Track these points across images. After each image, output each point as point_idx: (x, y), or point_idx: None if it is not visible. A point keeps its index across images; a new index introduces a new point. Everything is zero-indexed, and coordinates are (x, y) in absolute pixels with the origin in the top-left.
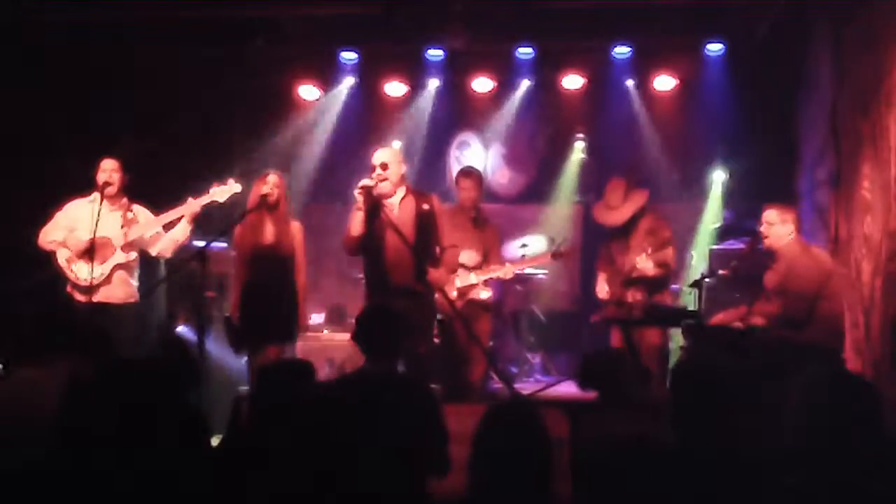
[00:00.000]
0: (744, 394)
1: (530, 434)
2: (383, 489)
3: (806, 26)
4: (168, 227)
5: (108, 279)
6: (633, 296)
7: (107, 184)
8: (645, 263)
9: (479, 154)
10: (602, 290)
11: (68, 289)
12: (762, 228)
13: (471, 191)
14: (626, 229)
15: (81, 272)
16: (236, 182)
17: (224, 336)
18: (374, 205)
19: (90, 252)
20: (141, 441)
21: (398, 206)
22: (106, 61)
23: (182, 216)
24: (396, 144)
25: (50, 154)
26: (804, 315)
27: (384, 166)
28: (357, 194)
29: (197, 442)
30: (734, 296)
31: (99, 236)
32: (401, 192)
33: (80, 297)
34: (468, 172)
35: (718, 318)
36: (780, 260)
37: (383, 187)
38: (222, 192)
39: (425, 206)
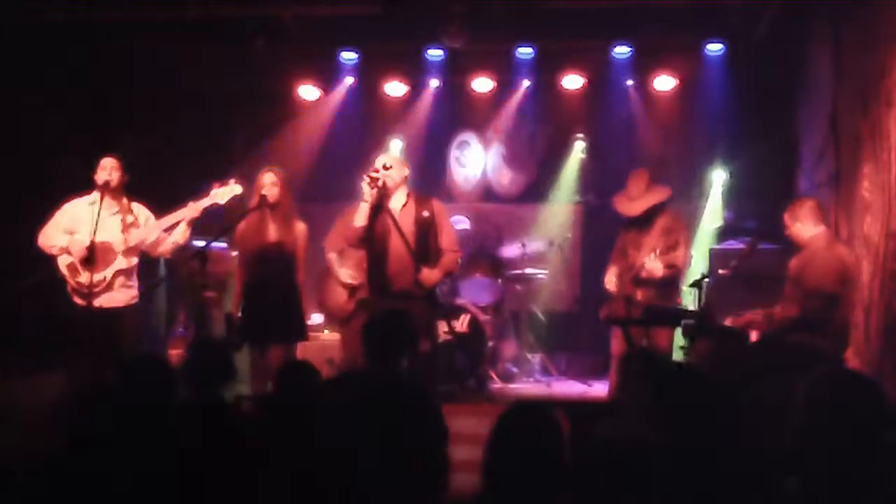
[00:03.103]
0: (734, 394)
1: (548, 435)
2: (381, 489)
3: (805, 26)
4: (168, 229)
5: (109, 285)
6: (644, 294)
7: (107, 182)
8: (653, 264)
9: (479, 154)
10: (610, 281)
11: (69, 292)
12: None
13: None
14: (643, 225)
15: (83, 278)
16: (237, 183)
17: (224, 333)
18: (379, 204)
19: (91, 257)
20: (168, 440)
21: (400, 212)
22: (106, 61)
23: (182, 219)
24: (396, 144)
25: (50, 154)
26: (823, 316)
27: (385, 167)
28: (365, 185)
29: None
30: (734, 296)
31: (101, 241)
32: (402, 197)
33: (81, 302)
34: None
35: (739, 319)
36: (805, 248)
37: (388, 182)
38: (223, 193)
39: (425, 213)
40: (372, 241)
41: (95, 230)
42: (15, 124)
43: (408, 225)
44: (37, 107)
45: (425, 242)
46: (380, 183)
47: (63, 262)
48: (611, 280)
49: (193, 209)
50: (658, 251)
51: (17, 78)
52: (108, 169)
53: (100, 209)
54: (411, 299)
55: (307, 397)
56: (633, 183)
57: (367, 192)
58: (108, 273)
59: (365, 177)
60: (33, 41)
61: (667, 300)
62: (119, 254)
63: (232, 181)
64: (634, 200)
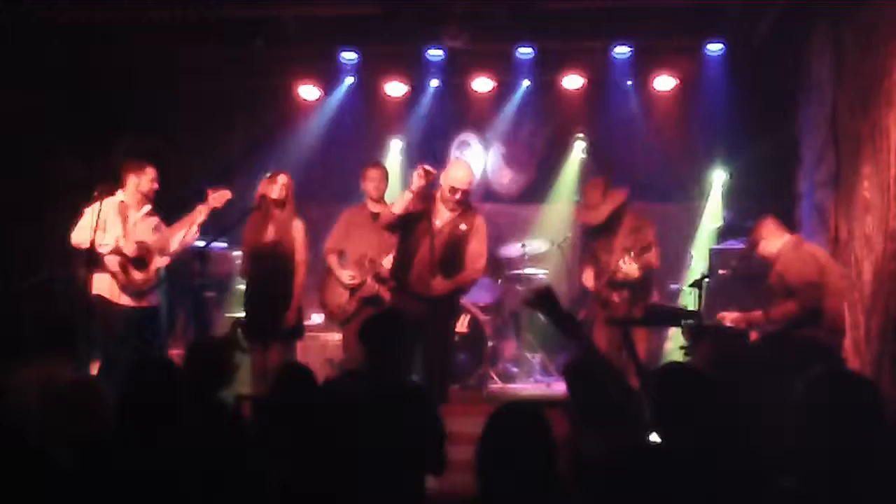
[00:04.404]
0: (734, 394)
1: (538, 435)
2: (380, 488)
3: (806, 26)
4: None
5: (152, 284)
6: (620, 296)
7: (151, 190)
8: (629, 267)
9: (479, 154)
10: (588, 279)
11: (112, 290)
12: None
13: (378, 181)
14: (609, 228)
15: (136, 276)
16: (226, 189)
17: (230, 337)
18: (421, 209)
19: (144, 258)
20: (171, 439)
21: (441, 220)
22: (106, 61)
23: (194, 222)
24: (396, 144)
25: (50, 154)
26: (818, 306)
27: (466, 193)
28: (417, 176)
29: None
30: (734, 296)
31: (146, 241)
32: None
33: (130, 301)
34: (375, 163)
35: (732, 317)
36: (776, 262)
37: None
38: (219, 197)
39: (462, 227)
40: (406, 238)
41: (121, 232)
42: (15, 124)
43: (443, 235)
44: (37, 107)
45: (454, 255)
46: (431, 178)
47: (112, 262)
48: (588, 278)
49: (201, 212)
50: (633, 253)
51: (17, 78)
52: (153, 179)
53: (127, 211)
54: (428, 301)
55: (302, 399)
56: (590, 192)
57: (416, 183)
58: (150, 272)
59: (420, 168)
60: (33, 41)
61: (642, 301)
62: (156, 254)
63: (222, 189)
64: (594, 209)
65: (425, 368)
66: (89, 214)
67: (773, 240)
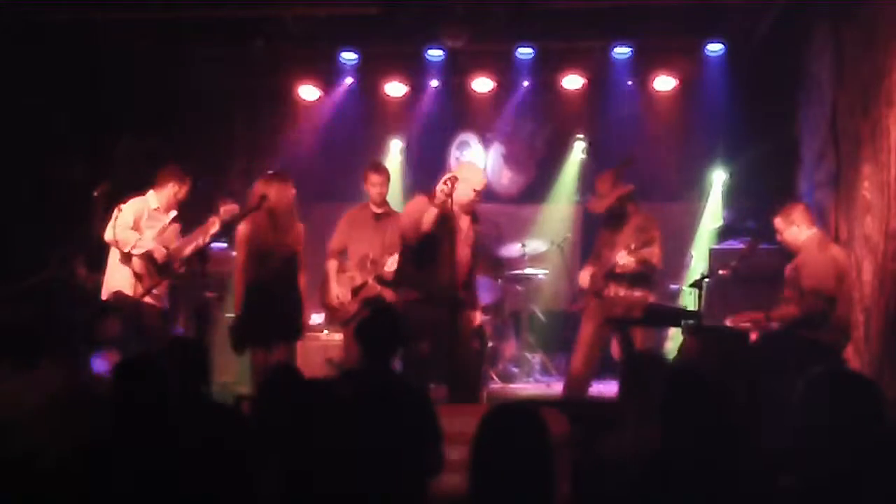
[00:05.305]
0: (739, 393)
1: (532, 435)
2: (377, 488)
3: (806, 26)
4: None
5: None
6: (615, 290)
7: (183, 198)
8: (626, 259)
9: (479, 154)
10: (584, 279)
11: (128, 292)
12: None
13: (381, 186)
14: (615, 225)
15: (157, 280)
16: (232, 203)
17: (228, 336)
18: (446, 215)
19: (169, 263)
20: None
21: (463, 225)
22: (106, 61)
23: (211, 232)
24: (396, 144)
25: (50, 154)
26: (823, 314)
27: (479, 193)
28: (442, 192)
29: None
30: (734, 296)
31: (172, 249)
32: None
33: (151, 301)
34: (376, 167)
35: (735, 319)
36: (799, 252)
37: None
38: (229, 210)
39: (476, 229)
40: (428, 245)
41: (155, 235)
42: (15, 124)
43: (469, 240)
44: (37, 107)
45: (475, 259)
46: (455, 187)
47: (138, 264)
48: (584, 277)
49: (214, 223)
50: (633, 247)
51: (17, 78)
52: (189, 189)
53: (159, 215)
54: (454, 304)
55: (288, 400)
56: (600, 182)
57: (440, 196)
58: (170, 277)
59: (446, 181)
60: (33, 41)
61: (639, 296)
62: (177, 261)
63: (229, 202)
64: (600, 198)
65: (456, 372)
66: (127, 213)
67: (802, 229)
